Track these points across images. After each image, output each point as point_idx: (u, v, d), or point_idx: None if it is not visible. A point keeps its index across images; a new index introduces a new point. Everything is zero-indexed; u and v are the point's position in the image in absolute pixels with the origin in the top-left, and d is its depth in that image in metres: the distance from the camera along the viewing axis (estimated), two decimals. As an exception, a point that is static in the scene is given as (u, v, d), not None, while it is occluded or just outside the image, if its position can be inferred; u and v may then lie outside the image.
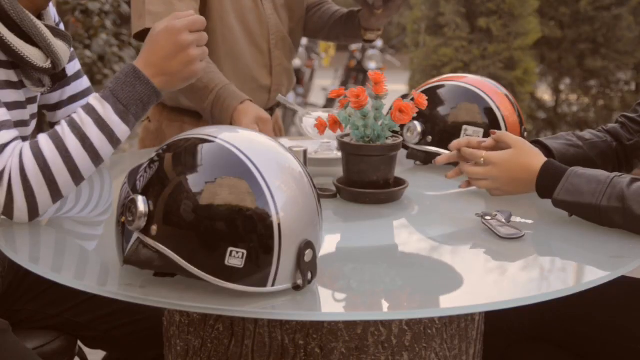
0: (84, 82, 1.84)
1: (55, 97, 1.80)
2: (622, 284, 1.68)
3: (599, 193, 1.51)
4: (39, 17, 1.59)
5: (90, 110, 1.47)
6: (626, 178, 1.52)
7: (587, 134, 1.82)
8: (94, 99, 1.47)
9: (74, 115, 1.47)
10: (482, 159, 1.65)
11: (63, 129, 1.46)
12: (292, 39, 2.31)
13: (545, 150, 1.74)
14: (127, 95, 1.46)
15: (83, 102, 1.74)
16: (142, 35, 1.99)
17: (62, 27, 1.74)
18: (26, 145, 1.45)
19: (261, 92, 2.23)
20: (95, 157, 1.47)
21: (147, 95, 1.48)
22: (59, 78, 1.64)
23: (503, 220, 1.51)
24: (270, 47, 2.21)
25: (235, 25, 2.15)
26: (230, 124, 1.90)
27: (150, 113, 2.28)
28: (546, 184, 1.58)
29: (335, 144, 1.88)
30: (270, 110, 2.31)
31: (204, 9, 2.10)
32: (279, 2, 2.24)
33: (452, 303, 1.25)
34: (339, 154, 1.77)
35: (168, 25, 1.48)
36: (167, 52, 1.48)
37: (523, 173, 1.61)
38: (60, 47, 1.57)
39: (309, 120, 1.85)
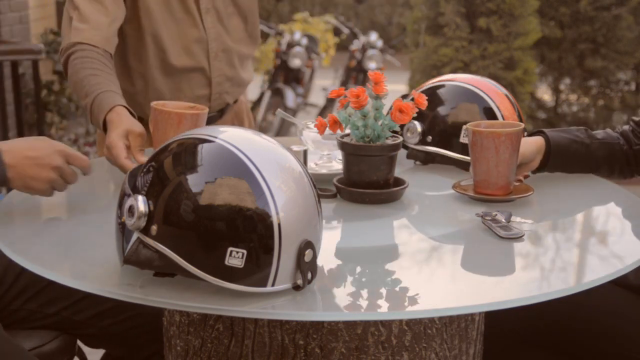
0: None
1: None
2: (619, 290, 1.69)
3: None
4: None
5: None
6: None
7: (601, 132, 1.84)
8: None
9: None
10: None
11: None
12: (249, 40, 2.30)
13: (545, 139, 1.79)
14: None
15: None
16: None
17: None
18: None
19: (199, 100, 2.21)
20: None
21: None
22: None
23: (503, 220, 1.51)
24: (209, 61, 2.21)
25: (166, 39, 2.15)
26: (104, 129, 1.82)
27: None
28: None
29: (335, 155, 1.88)
30: (220, 112, 2.30)
31: (136, 24, 2.12)
32: (225, 13, 2.21)
33: (452, 303, 1.25)
34: (340, 166, 1.77)
35: (56, 143, 1.53)
36: (36, 153, 1.51)
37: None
38: None
39: (308, 133, 1.84)
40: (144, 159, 1.66)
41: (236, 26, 2.25)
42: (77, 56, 1.95)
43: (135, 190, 1.22)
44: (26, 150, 1.51)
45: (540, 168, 1.79)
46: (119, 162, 1.69)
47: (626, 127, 1.86)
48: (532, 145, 1.75)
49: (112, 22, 2.02)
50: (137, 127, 1.75)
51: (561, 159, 1.79)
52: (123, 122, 1.77)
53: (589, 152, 1.79)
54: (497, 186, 1.64)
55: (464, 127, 1.86)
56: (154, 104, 1.73)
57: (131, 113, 1.83)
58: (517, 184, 1.71)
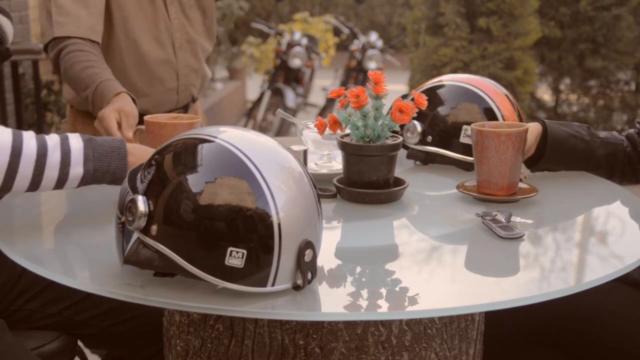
0: None
1: None
2: (619, 288, 1.69)
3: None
4: None
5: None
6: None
7: (605, 133, 1.83)
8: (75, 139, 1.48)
9: (47, 137, 1.47)
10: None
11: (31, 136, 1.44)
12: (207, 34, 2.35)
13: (543, 127, 1.80)
14: (102, 164, 1.49)
15: None
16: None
17: None
18: None
19: (169, 93, 2.27)
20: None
21: (118, 169, 1.51)
22: (4, 56, 1.66)
23: (503, 220, 1.51)
24: (175, 51, 2.25)
25: (137, 30, 2.18)
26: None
27: (67, 114, 2.34)
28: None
29: (335, 155, 1.88)
30: (184, 109, 2.34)
31: (107, 17, 2.14)
32: (187, 4, 2.27)
33: (452, 303, 1.25)
34: (340, 166, 1.77)
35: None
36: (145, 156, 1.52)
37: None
38: (6, 24, 1.60)
39: (308, 133, 1.85)
40: (132, 136, 1.78)
41: (196, 19, 2.31)
42: (68, 50, 2.00)
43: (135, 190, 1.22)
44: (144, 159, 1.53)
45: (537, 160, 1.79)
46: (110, 133, 1.78)
47: (632, 131, 1.85)
48: (530, 133, 1.74)
49: (92, 12, 2.06)
50: (130, 107, 1.84)
51: (558, 152, 1.78)
52: (119, 101, 1.86)
53: (589, 149, 1.79)
54: (499, 186, 1.64)
55: (465, 126, 1.86)
56: (147, 118, 1.80)
57: (133, 100, 1.91)
58: (521, 185, 1.71)
